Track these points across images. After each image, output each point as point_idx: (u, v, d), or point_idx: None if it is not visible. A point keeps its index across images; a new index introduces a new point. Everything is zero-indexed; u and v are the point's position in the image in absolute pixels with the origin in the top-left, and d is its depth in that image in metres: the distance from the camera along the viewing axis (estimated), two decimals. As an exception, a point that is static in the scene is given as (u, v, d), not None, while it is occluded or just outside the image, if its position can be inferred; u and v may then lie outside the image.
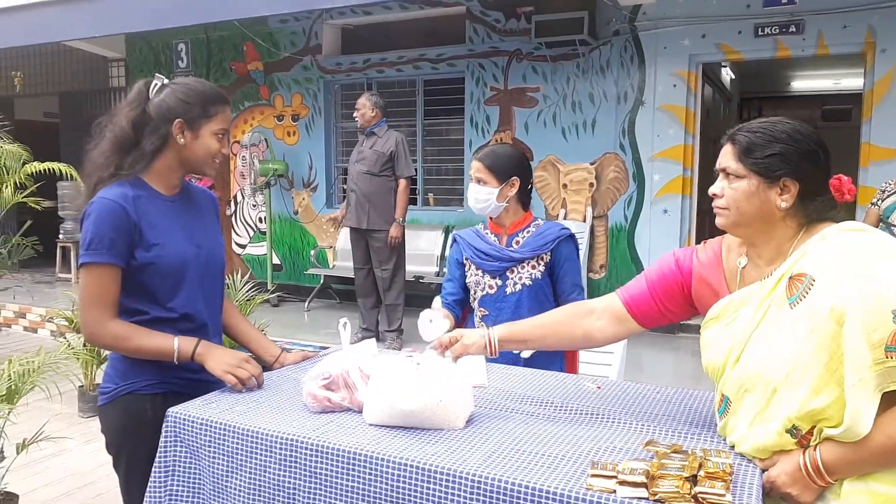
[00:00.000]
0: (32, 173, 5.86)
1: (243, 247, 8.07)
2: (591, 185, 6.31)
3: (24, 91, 9.49)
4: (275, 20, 7.44)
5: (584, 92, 6.28)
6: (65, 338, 4.63)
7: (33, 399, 3.26)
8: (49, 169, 5.93)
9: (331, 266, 7.30)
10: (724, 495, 1.21)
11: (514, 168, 2.36)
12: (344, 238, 6.93)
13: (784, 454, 1.36)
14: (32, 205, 6.01)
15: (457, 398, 1.61)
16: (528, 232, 2.39)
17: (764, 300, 1.42)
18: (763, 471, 1.38)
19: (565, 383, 1.96)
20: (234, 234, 8.11)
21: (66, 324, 4.58)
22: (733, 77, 10.60)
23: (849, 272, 1.29)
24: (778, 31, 5.56)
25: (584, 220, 6.29)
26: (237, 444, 1.63)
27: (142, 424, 1.82)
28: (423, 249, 6.70)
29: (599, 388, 1.90)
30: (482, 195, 2.33)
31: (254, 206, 7.94)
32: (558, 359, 2.40)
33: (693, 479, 1.25)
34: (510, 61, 6.57)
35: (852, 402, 1.24)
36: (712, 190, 1.49)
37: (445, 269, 6.55)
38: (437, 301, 2.07)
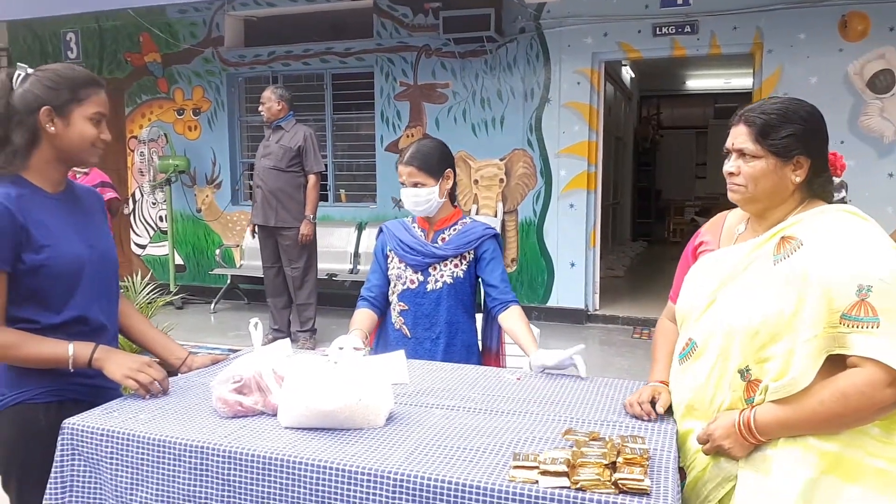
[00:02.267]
0: None
1: (143, 247, 7.68)
2: (502, 180, 6.39)
3: None
4: (173, 10, 7.10)
5: (493, 88, 6.35)
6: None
7: None
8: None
9: (238, 265, 7.06)
10: (642, 480, 1.24)
11: (446, 161, 2.34)
12: (250, 236, 6.72)
13: (724, 412, 1.49)
14: None
15: (376, 396, 1.57)
16: (454, 230, 2.37)
17: (751, 252, 1.53)
18: (681, 468, 1.46)
19: (486, 376, 1.96)
20: (132, 234, 7.71)
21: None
22: (633, 76, 11.04)
23: (833, 244, 1.41)
24: (674, 30, 5.81)
25: (496, 216, 6.37)
26: (142, 454, 1.54)
27: (34, 436, 1.69)
28: (336, 247, 6.59)
29: (519, 379, 1.92)
30: (422, 197, 2.27)
31: (153, 204, 7.57)
32: (475, 356, 2.41)
33: (612, 466, 1.28)
34: (419, 57, 6.55)
35: (800, 356, 1.37)
36: (727, 169, 1.55)
37: (360, 267, 6.49)
38: (343, 339, 1.95)
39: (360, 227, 6.73)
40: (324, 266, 5.88)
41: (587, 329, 6.09)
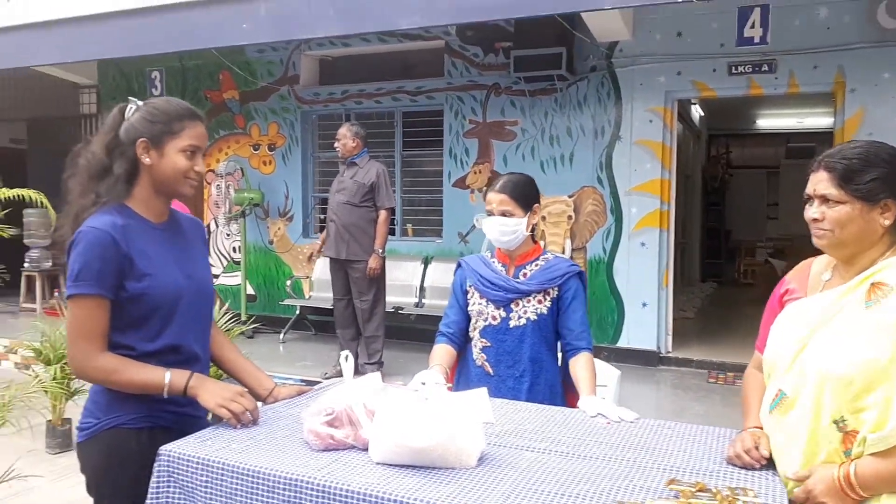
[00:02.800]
0: (-2, 200, 5.68)
1: (216, 277, 7.90)
2: (570, 217, 6.34)
3: (-11, 116, 9.28)
4: (252, 49, 7.41)
5: (562, 126, 6.35)
6: (32, 370, 4.45)
7: (-1, 435, 3.11)
8: (16, 196, 5.77)
9: (307, 297, 7.18)
10: (759, 536, 1.17)
11: (535, 196, 2.33)
12: (321, 268, 6.84)
13: (821, 466, 1.41)
14: (-4, 232, 5.82)
15: (468, 435, 1.55)
16: (536, 265, 2.34)
17: (840, 298, 1.48)
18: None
19: (574, 419, 1.91)
20: (206, 264, 7.94)
21: (33, 355, 4.40)
22: (702, 114, 10.87)
23: None
24: (751, 69, 5.70)
25: (563, 253, 6.30)
26: (236, 484, 1.55)
27: (126, 461, 1.72)
28: (402, 280, 6.64)
29: (609, 423, 1.86)
30: (510, 227, 2.26)
31: (228, 235, 7.81)
32: (558, 396, 2.36)
33: (725, 520, 1.22)
34: (489, 95, 6.62)
35: None
36: (811, 215, 1.52)
37: (425, 301, 6.51)
38: (424, 374, 1.94)
39: (426, 262, 6.77)
40: (390, 299, 5.92)
41: (660, 372, 5.92)
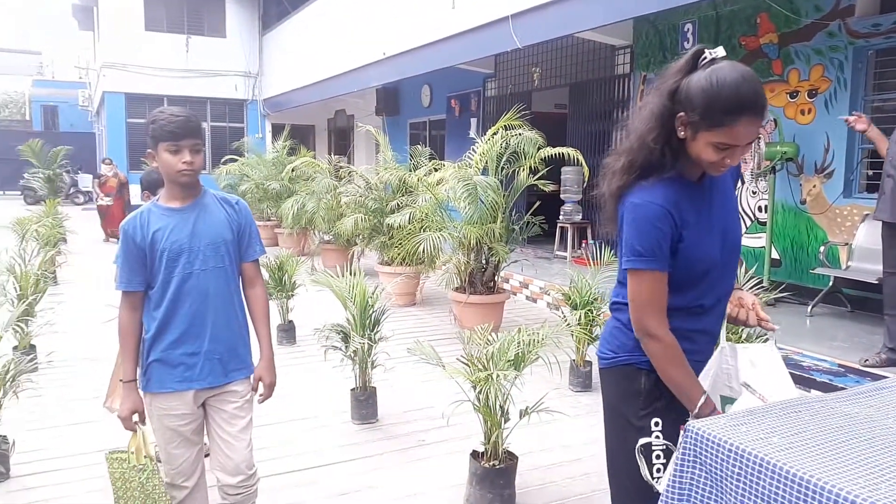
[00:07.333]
0: (544, 158, 6.39)
1: (737, 237, 7.45)
2: None
3: (540, 85, 10.53)
4: (797, -16, 6.57)
5: None
6: (561, 312, 4.86)
7: (529, 368, 3.42)
8: (557, 154, 6.39)
9: (843, 267, 6.17)
10: None
11: None
12: (864, 234, 5.79)
13: None
14: (541, 187, 6.57)
15: None
16: None
17: None
18: None
19: None
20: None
21: (563, 298, 4.79)
22: None
23: None
24: None
25: None
26: (775, 487, 1.25)
27: (631, 397, 1.78)
28: None
29: None
30: None
31: (753, 193, 7.24)
32: None
33: None
34: None
35: None
36: None
37: None
38: None
39: None
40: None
41: None
